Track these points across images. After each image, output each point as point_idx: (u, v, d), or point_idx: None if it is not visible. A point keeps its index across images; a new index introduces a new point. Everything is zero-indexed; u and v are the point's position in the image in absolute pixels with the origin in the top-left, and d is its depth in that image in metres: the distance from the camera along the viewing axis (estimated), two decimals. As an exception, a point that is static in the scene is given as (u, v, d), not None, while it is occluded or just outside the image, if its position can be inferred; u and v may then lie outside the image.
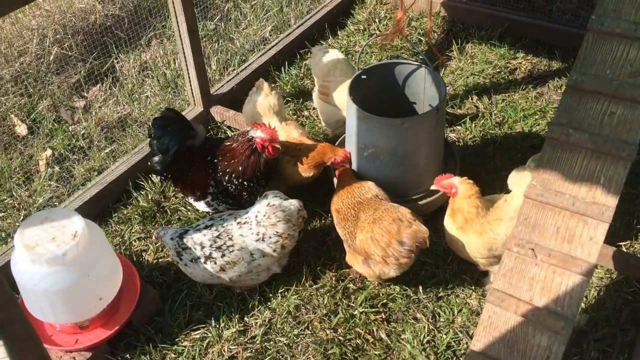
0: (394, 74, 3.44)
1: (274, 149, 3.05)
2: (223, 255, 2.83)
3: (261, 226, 2.82)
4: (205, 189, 3.15)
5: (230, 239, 2.85)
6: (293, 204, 2.86)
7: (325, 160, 3.19)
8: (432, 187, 2.93)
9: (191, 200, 3.26)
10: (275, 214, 2.80)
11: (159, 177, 3.32)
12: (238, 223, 2.88)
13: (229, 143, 3.14)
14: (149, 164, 3.22)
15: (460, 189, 2.77)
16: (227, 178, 3.10)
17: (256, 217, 2.85)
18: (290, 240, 2.86)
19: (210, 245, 2.84)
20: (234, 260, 2.83)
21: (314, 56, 3.70)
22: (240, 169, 3.07)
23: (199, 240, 2.86)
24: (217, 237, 2.86)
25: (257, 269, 2.89)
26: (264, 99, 3.37)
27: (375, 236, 2.74)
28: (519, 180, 2.75)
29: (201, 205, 3.24)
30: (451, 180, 2.81)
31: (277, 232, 2.81)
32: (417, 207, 3.18)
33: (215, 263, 2.83)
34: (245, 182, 3.09)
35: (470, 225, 2.73)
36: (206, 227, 2.90)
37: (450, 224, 2.82)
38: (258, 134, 3.03)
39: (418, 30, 4.74)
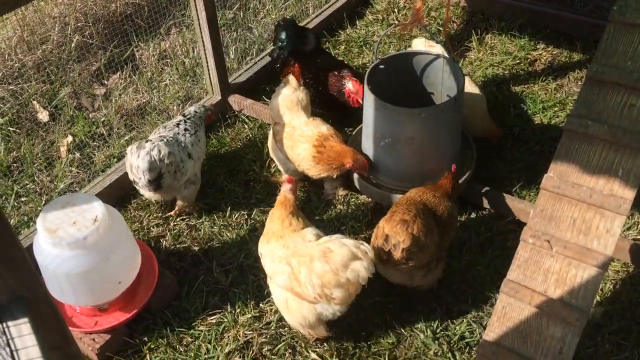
0: (412, 64, 3.43)
1: (357, 102, 3.61)
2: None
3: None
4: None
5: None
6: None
7: (344, 164, 3.21)
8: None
9: None
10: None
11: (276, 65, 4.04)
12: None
13: (329, 75, 3.75)
14: (269, 54, 4.09)
15: (284, 195, 2.78)
16: (311, 89, 3.70)
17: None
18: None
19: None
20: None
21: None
22: (321, 95, 3.77)
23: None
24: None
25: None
26: (292, 93, 3.35)
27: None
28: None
29: None
30: (285, 187, 2.81)
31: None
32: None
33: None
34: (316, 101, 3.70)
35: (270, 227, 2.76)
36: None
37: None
38: (349, 86, 3.64)
39: (437, 21, 4.71)
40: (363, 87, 3.34)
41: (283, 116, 3.34)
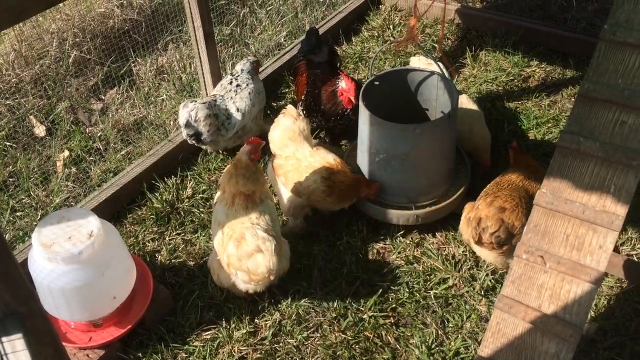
0: (407, 81, 3.46)
1: (349, 100, 3.52)
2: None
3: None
4: (300, 96, 3.85)
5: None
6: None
7: (360, 195, 3.22)
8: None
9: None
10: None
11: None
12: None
13: (328, 85, 3.66)
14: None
15: (239, 156, 2.92)
16: (310, 99, 3.74)
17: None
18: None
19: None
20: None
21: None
22: (317, 101, 3.69)
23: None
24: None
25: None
26: (293, 124, 3.22)
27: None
28: None
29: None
30: (243, 148, 2.93)
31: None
32: (428, 213, 3.20)
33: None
34: (314, 110, 3.72)
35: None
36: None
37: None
38: (342, 85, 3.54)
39: (432, 37, 4.76)
40: (355, 85, 3.47)
41: (285, 148, 3.24)
